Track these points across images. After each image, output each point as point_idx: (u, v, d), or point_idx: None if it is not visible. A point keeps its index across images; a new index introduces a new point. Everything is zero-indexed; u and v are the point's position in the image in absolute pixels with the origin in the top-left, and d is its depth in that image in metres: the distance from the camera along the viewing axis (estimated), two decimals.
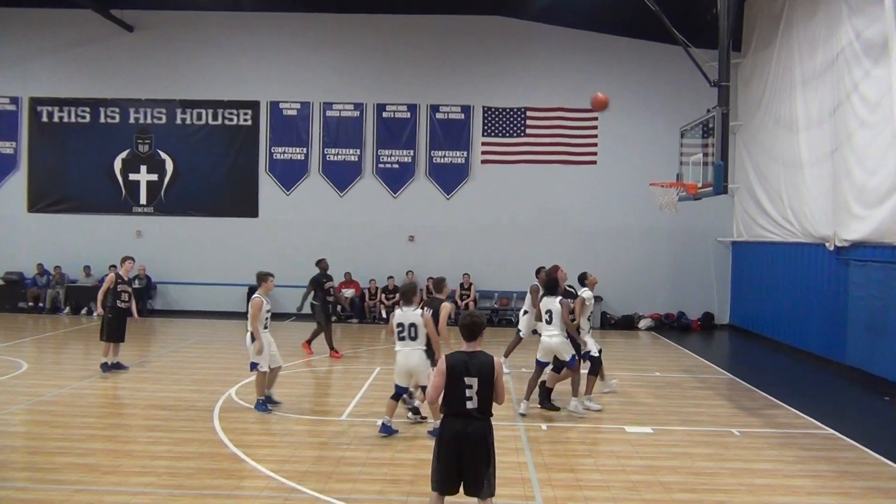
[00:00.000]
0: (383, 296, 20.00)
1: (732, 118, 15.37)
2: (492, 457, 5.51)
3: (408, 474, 7.48)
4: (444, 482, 5.47)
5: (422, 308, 9.07)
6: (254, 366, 10.00)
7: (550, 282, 10.37)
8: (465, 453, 5.41)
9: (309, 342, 14.59)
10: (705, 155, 13.31)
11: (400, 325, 8.93)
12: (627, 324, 20.04)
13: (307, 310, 14.64)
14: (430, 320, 8.94)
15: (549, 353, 10.06)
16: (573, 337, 10.07)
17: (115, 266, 14.23)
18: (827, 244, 14.35)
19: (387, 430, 8.79)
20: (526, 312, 12.76)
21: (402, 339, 8.92)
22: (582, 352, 10.31)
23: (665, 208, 14.93)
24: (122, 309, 12.51)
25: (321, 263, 14.83)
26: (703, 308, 20.52)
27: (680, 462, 8.13)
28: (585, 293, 10.65)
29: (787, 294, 16.43)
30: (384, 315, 19.78)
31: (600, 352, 10.68)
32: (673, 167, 15.49)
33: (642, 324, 19.96)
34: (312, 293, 14.44)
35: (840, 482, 7.73)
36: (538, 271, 12.25)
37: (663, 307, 20.34)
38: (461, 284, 20.00)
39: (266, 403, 10.01)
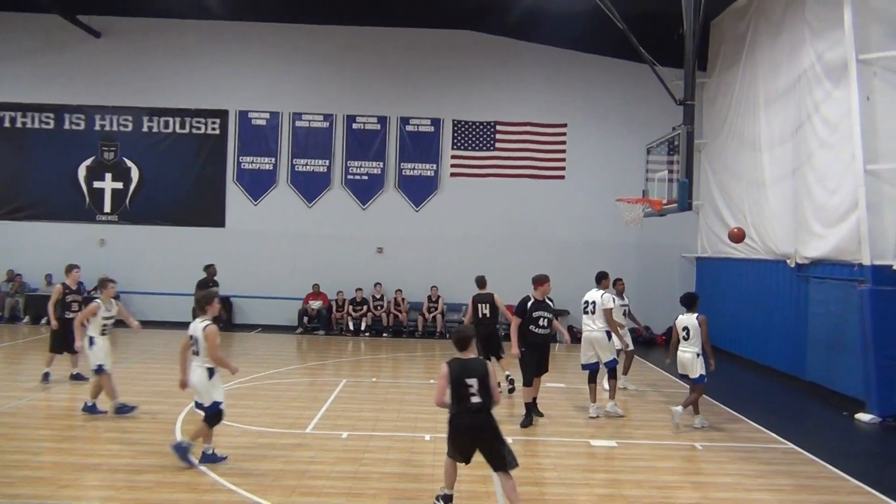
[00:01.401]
0: (351, 308, 19.91)
1: (697, 136, 15.67)
2: (501, 436, 6.58)
3: (371, 488, 7.43)
4: (457, 454, 6.62)
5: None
6: (100, 368, 9.92)
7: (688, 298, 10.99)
8: (477, 441, 6.52)
9: None
10: (671, 172, 13.52)
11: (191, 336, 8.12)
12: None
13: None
14: (212, 334, 7.90)
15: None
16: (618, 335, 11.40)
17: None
18: (788, 261, 14.64)
19: (211, 460, 7.98)
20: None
21: (194, 353, 8.11)
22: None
23: (631, 224, 15.12)
24: (69, 320, 11.72)
25: (209, 269, 14.81)
26: (668, 322, 20.61)
27: (644, 476, 8.19)
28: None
29: (750, 310, 16.68)
30: (351, 327, 19.69)
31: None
32: (639, 183, 15.71)
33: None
34: None
35: (799, 496, 7.86)
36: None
37: (630, 321, 20.49)
38: (429, 297, 19.99)
39: (122, 408, 9.98)
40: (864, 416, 11.42)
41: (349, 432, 9.53)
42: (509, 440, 9.35)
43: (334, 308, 20.02)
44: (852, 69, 11.65)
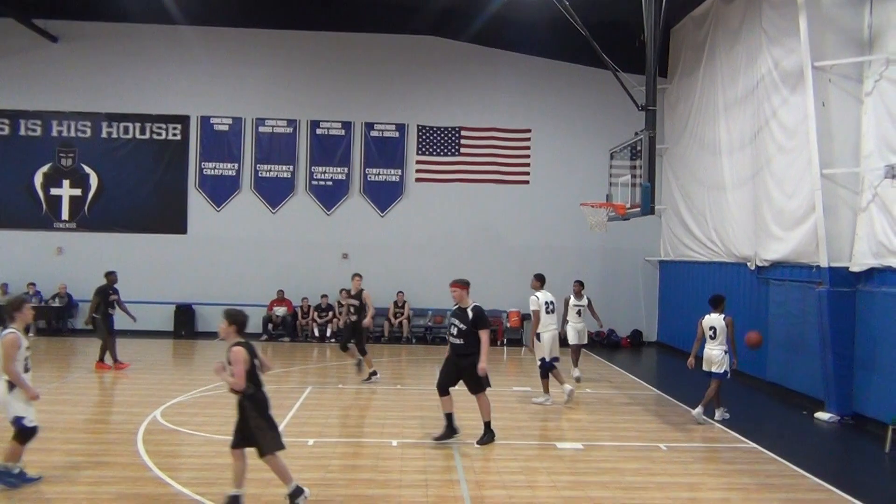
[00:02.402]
0: (315, 314, 19.76)
1: (659, 141, 15.92)
2: (257, 420, 6.68)
3: (339, 495, 7.37)
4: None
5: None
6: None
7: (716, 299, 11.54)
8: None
9: (101, 360, 14.46)
10: (633, 176, 13.70)
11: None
12: (559, 341, 20.23)
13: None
14: (7, 345, 7.17)
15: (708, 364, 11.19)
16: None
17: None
18: (748, 264, 14.90)
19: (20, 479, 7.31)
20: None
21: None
22: None
23: (595, 228, 15.26)
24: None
25: (110, 276, 14.84)
26: (632, 326, 20.98)
27: (609, 477, 8.25)
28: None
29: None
30: (316, 333, 19.55)
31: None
32: (603, 188, 15.87)
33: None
34: (97, 306, 14.43)
35: (762, 494, 7.99)
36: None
37: (594, 325, 20.64)
38: (395, 302, 19.95)
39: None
40: (822, 415, 11.65)
41: (315, 439, 9.45)
42: (475, 444, 9.41)
43: (299, 314, 19.86)
44: (808, 76, 11.91)
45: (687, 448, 9.65)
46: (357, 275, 14.30)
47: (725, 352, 11.12)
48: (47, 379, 12.87)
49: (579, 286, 14.66)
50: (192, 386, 12.82)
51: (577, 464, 8.78)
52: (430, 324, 20.38)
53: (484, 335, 9.25)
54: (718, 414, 11.27)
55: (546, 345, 12.01)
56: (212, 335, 19.84)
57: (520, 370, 16.60)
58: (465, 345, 9.29)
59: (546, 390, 12.18)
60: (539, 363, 12.12)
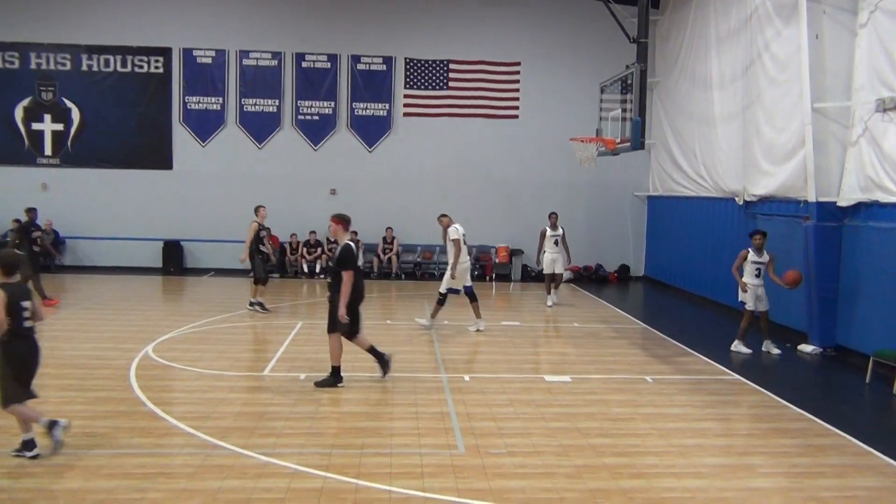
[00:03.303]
0: (304, 250, 19.75)
1: (650, 75, 15.69)
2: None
3: (331, 427, 7.50)
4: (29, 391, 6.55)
5: None
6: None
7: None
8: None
9: (44, 297, 14.17)
10: (624, 111, 13.57)
11: None
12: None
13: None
14: None
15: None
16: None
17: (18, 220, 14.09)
18: (737, 199, 14.94)
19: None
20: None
21: None
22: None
23: (585, 163, 15.19)
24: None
25: (30, 213, 14.75)
26: (619, 261, 21.13)
27: (596, 408, 8.43)
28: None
29: (699, 247, 17.05)
30: (305, 269, 19.58)
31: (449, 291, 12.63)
32: (593, 122, 15.75)
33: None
34: (18, 243, 14.23)
35: (745, 424, 8.21)
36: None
37: (582, 260, 20.82)
38: (384, 238, 19.94)
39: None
40: (806, 348, 11.89)
41: (307, 374, 9.56)
42: (465, 378, 9.56)
43: (288, 251, 19.84)
44: (802, 8, 11.71)
45: (672, 380, 9.84)
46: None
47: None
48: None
49: (555, 217, 15.73)
50: (183, 322, 12.88)
51: (565, 396, 8.95)
52: (419, 259, 20.44)
53: (346, 276, 8.74)
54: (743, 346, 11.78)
55: (463, 275, 12.70)
56: (201, 272, 19.86)
57: (508, 305, 16.77)
58: (331, 283, 9.02)
59: (478, 315, 12.77)
60: (446, 292, 12.69)
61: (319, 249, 19.68)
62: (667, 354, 11.42)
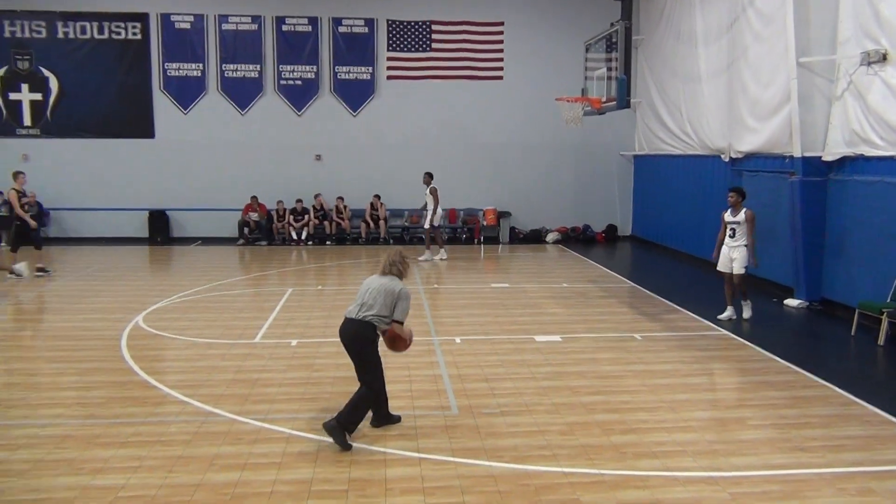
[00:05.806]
0: (291, 217, 19.66)
1: (635, 32, 15.63)
2: None
3: (325, 392, 7.55)
4: None
5: None
6: None
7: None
8: None
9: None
10: (609, 69, 13.48)
11: None
12: (535, 238, 20.50)
13: None
14: None
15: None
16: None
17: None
18: (722, 156, 14.95)
19: None
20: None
21: None
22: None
23: (570, 123, 15.12)
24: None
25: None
26: (607, 220, 21.17)
27: (587, 367, 8.53)
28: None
29: (686, 205, 17.09)
30: (294, 236, 19.52)
31: None
32: (578, 82, 15.65)
33: (550, 237, 20.43)
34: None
35: (733, 378, 8.34)
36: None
37: (569, 220, 20.86)
38: (371, 203, 19.87)
39: None
40: (792, 302, 12.04)
41: (298, 340, 9.59)
42: (456, 340, 9.64)
43: (275, 218, 19.74)
44: None
45: (660, 337, 9.95)
46: None
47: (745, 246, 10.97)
48: (26, 288, 12.83)
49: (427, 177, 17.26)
50: (172, 291, 12.85)
51: (556, 355, 9.04)
52: (406, 224, 20.41)
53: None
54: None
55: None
56: (188, 240, 19.76)
57: (497, 267, 16.82)
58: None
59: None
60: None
61: (307, 216, 19.59)
62: (655, 312, 11.53)
